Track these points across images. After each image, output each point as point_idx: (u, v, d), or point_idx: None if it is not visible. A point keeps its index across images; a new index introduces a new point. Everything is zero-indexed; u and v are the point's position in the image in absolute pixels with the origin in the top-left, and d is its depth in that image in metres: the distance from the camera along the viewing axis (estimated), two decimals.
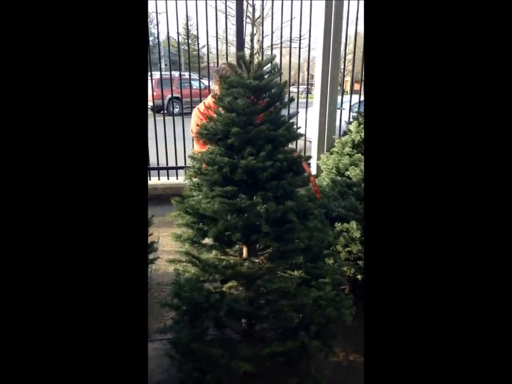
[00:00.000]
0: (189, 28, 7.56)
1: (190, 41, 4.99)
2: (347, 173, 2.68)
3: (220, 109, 1.51)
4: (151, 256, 2.55)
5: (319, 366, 1.80)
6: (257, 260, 1.53)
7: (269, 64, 1.49)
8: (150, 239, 2.58)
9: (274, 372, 1.49)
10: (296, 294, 1.43)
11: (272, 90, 1.48)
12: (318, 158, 3.09)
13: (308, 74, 4.92)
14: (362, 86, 3.71)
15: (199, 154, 1.54)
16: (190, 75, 4.79)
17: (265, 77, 1.47)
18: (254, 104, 1.47)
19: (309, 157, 1.68)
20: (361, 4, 3.52)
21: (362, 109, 3.10)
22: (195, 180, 1.60)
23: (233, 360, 1.33)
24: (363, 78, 3.31)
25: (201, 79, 5.64)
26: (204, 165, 1.53)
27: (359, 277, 2.36)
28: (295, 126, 1.56)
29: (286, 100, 1.57)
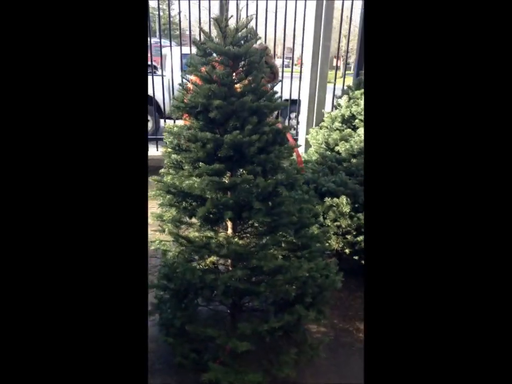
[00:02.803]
0: None
1: (164, 7, 4.80)
2: (337, 148, 2.66)
3: (193, 78, 1.40)
4: None
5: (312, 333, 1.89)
6: (246, 236, 1.50)
7: (244, 30, 1.38)
8: None
9: (272, 344, 1.50)
10: (289, 267, 1.42)
11: (251, 58, 1.37)
12: (307, 133, 3.05)
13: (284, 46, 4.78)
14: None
15: (176, 128, 1.45)
16: (160, 42, 4.61)
17: (242, 42, 1.37)
18: (232, 73, 1.37)
19: (291, 127, 1.62)
20: None
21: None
22: (174, 156, 1.50)
23: (230, 339, 1.32)
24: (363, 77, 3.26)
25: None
26: (182, 140, 1.44)
27: (346, 250, 2.39)
28: (276, 96, 1.48)
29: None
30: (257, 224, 1.52)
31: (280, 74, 3.01)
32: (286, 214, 1.42)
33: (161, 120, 4.63)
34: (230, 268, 1.52)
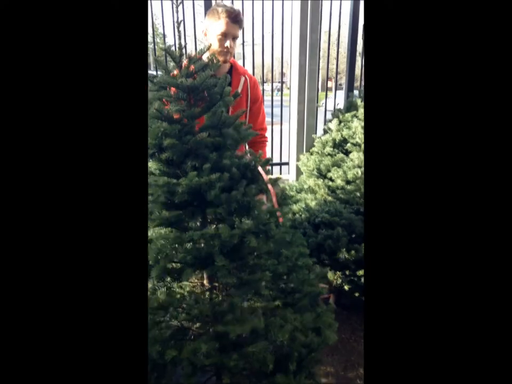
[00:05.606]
0: (155, 26, 7.24)
1: (158, 40, 4.69)
2: (329, 174, 2.50)
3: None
4: None
5: None
6: (217, 290, 1.28)
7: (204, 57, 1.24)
8: None
9: None
10: (268, 331, 1.18)
11: (213, 89, 1.21)
12: (298, 159, 2.90)
13: (282, 72, 4.72)
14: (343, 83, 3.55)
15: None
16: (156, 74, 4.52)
17: (199, 71, 1.20)
18: (190, 107, 1.20)
19: (267, 160, 1.33)
20: None
21: (341, 106, 2.94)
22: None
23: None
24: (363, 77, 3.13)
25: None
26: None
27: (346, 287, 2.19)
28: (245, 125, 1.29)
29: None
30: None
31: None
32: (258, 267, 1.20)
33: None
34: (199, 330, 1.26)
